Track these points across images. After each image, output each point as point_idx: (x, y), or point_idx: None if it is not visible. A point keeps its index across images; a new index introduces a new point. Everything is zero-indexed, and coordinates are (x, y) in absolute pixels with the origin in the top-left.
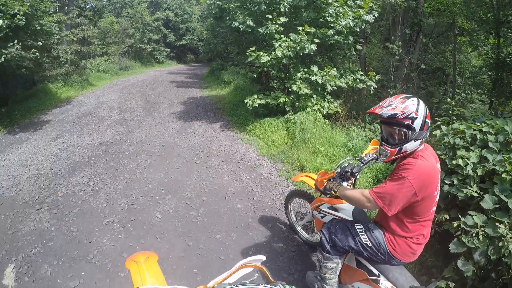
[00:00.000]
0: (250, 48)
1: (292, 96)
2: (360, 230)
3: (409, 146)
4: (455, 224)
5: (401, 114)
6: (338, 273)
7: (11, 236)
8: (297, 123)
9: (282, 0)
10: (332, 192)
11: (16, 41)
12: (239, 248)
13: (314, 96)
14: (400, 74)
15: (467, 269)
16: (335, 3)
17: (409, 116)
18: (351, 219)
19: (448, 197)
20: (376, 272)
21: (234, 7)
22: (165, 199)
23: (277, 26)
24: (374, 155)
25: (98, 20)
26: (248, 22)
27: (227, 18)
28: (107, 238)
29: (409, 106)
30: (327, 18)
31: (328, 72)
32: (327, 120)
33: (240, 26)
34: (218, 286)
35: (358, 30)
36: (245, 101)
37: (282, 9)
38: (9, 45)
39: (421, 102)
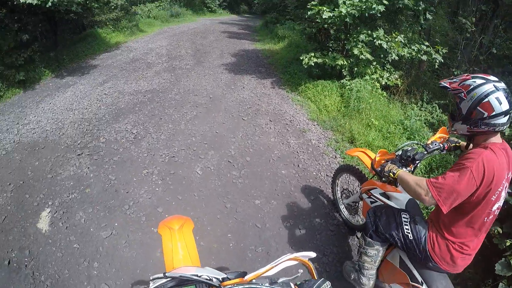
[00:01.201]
0: (312, 1)
1: (351, 59)
2: (405, 220)
3: (457, 126)
4: (508, 243)
5: (452, 90)
6: (377, 264)
7: (50, 180)
8: (353, 90)
9: None
10: (390, 174)
11: None
12: (277, 218)
13: (374, 63)
14: (466, 54)
15: None
16: None
17: (458, 94)
18: None
19: (505, 207)
20: (419, 278)
21: None
22: (207, 155)
23: None
24: (441, 145)
25: None
26: None
27: None
28: (144, 189)
29: (465, 86)
30: None
31: (395, 38)
32: (384, 92)
33: None
34: (256, 280)
35: None
36: (301, 57)
37: None
38: None
39: (484, 87)
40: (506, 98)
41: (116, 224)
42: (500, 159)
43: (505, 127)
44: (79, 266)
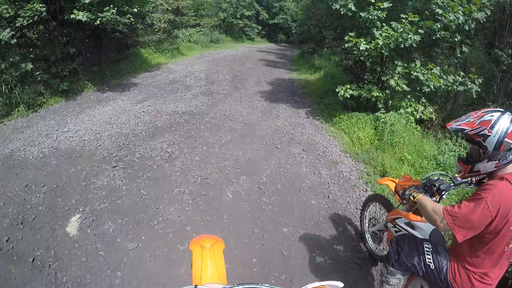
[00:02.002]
0: (350, 34)
1: (386, 91)
2: (428, 250)
3: (481, 166)
4: None
5: (471, 130)
6: None
7: (84, 187)
8: (387, 124)
9: None
10: (411, 198)
11: (112, 6)
12: (303, 247)
13: (409, 96)
14: (503, 86)
15: None
16: None
17: (480, 133)
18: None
19: None
20: None
21: None
22: (239, 179)
23: (379, 12)
24: (469, 179)
25: None
26: (349, 6)
27: None
28: (174, 207)
29: (484, 122)
30: (434, 8)
31: (431, 70)
32: (419, 126)
33: (341, 9)
34: None
35: (467, 28)
36: (337, 89)
37: None
38: (105, 9)
39: (504, 118)
40: None
41: (143, 237)
42: None
43: None
44: (102, 273)
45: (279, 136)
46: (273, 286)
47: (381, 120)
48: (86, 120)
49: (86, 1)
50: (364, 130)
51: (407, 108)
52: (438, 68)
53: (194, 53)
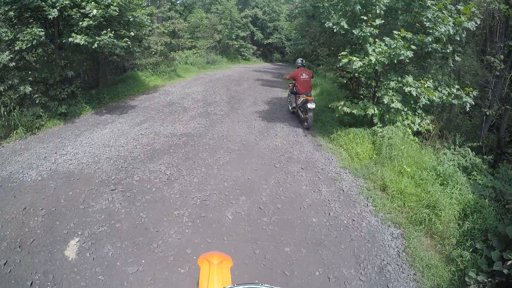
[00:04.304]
0: (342, 52)
1: (381, 107)
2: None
3: None
4: None
5: None
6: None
7: (82, 211)
8: (385, 138)
9: (378, 1)
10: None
11: (109, 29)
12: (306, 266)
13: (406, 108)
14: (497, 92)
15: None
16: (433, 7)
17: None
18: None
19: None
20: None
21: (328, 5)
22: (238, 200)
23: (372, 28)
24: None
25: (188, 15)
26: (342, 24)
27: (321, 17)
28: (174, 230)
29: None
30: (424, 23)
31: (425, 84)
32: (416, 138)
33: (334, 27)
34: None
35: (458, 38)
36: (330, 105)
37: (378, 11)
38: (102, 33)
39: None
40: None
41: (143, 261)
42: None
43: None
44: None
45: (277, 155)
46: (272, 286)
47: (378, 135)
48: (84, 143)
49: (84, 25)
50: (362, 145)
51: (404, 121)
52: (431, 81)
53: (191, 74)
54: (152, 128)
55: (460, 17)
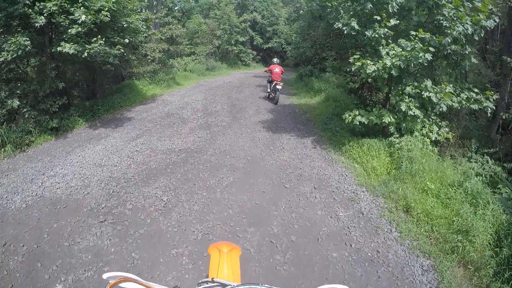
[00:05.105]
0: (354, 56)
1: (398, 114)
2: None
3: None
4: None
5: None
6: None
7: (66, 249)
8: (404, 150)
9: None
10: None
11: (99, 36)
12: None
13: (421, 116)
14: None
15: None
16: (449, 4)
17: None
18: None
19: None
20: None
21: (336, 4)
22: (246, 232)
23: (386, 30)
24: None
25: (186, 21)
26: (352, 24)
27: (329, 17)
28: (172, 275)
29: None
30: (441, 22)
31: (445, 88)
32: (435, 148)
33: (344, 28)
34: None
35: (477, 38)
36: (343, 116)
37: (390, 10)
38: (93, 40)
39: None
40: None
41: None
42: None
43: None
44: None
45: (286, 173)
46: (272, 286)
47: (395, 146)
48: (75, 162)
49: (73, 32)
50: (379, 158)
51: (422, 130)
52: (451, 85)
53: (190, 82)
54: (149, 143)
55: (478, 15)
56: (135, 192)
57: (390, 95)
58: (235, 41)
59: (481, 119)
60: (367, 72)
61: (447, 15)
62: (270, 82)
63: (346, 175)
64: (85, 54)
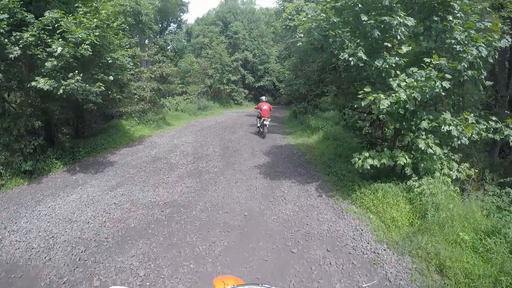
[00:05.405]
0: (365, 89)
1: (414, 153)
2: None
3: None
4: None
5: None
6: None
7: None
8: (426, 194)
9: (399, 25)
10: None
11: (76, 72)
12: None
13: (441, 154)
14: None
15: None
16: (459, 27)
17: None
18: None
19: None
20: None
21: (340, 32)
22: None
23: (398, 58)
24: None
25: (178, 60)
26: (359, 54)
27: (332, 47)
28: None
29: None
30: (454, 46)
31: (468, 119)
32: (457, 187)
33: (350, 59)
34: None
35: (492, 60)
36: (352, 160)
37: (398, 37)
38: (69, 75)
39: None
40: None
41: None
42: None
43: None
44: None
45: (291, 232)
46: (272, 286)
47: (415, 191)
48: (43, 215)
49: (49, 66)
50: (398, 206)
51: (442, 169)
52: (472, 115)
53: (181, 122)
54: (129, 194)
55: (493, 35)
56: (106, 261)
57: (403, 132)
58: (227, 80)
59: (479, 143)
60: (380, 107)
61: (459, 39)
62: (260, 118)
63: (362, 230)
64: (61, 90)
